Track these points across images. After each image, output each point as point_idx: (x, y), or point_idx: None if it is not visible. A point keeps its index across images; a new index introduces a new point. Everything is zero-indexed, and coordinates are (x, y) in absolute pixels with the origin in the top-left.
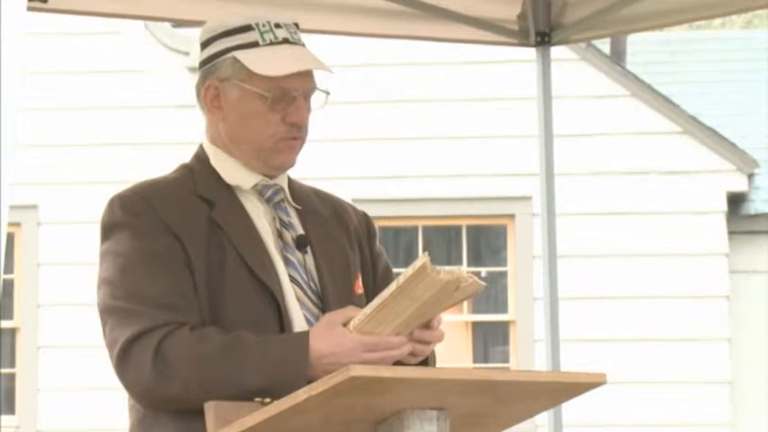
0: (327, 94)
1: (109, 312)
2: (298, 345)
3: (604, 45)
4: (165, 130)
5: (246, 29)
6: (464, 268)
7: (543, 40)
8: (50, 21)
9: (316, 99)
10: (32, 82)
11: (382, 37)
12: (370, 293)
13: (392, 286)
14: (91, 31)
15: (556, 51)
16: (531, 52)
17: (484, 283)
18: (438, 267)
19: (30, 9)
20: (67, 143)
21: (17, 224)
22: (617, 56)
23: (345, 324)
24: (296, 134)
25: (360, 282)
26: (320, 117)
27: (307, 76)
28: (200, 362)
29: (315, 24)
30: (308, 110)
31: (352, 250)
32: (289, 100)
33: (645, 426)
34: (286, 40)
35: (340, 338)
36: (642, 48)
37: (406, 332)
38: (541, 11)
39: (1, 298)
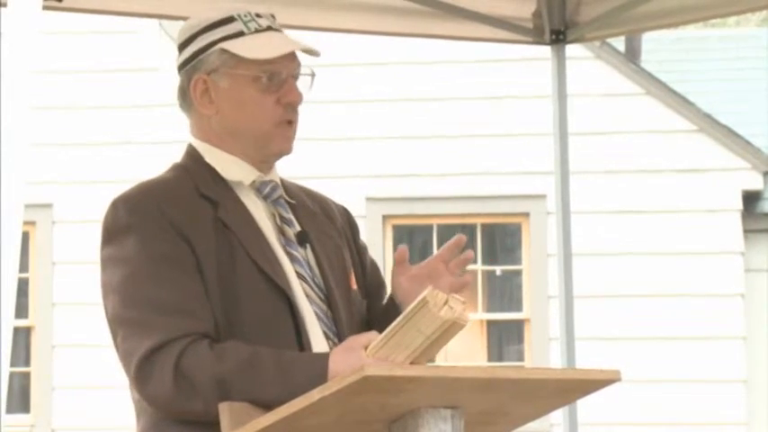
0: (313, 75)
1: (119, 323)
2: (317, 369)
3: (619, 43)
4: (181, 129)
5: (229, 20)
6: (479, 267)
7: (558, 38)
8: (66, 20)
9: (302, 83)
10: (47, 81)
11: (397, 35)
12: (362, 289)
13: (400, 316)
14: (106, 30)
15: (570, 49)
16: (545, 50)
17: (467, 323)
18: (443, 301)
19: (45, 8)
20: (82, 142)
21: (32, 223)
22: (632, 54)
23: (366, 347)
24: (292, 116)
25: (353, 277)
26: (334, 115)
27: (293, 58)
28: (221, 383)
29: (330, 23)
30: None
31: (343, 246)
32: (279, 82)
33: (659, 424)
34: (269, 28)
35: (356, 362)
36: (657, 46)
37: (421, 362)
38: (556, 9)
39: (16, 297)
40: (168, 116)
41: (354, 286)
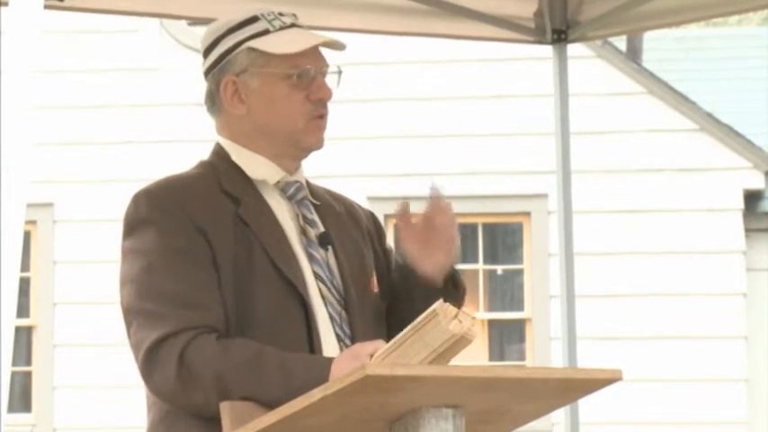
0: (340, 72)
1: (134, 313)
2: (319, 374)
3: (621, 42)
4: (182, 128)
5: (253, 20)
6: (480, 266)
7: (560, 37)
8: (66, 20)
9: (330, 80)
10: (49, 80)
11: (400, 35)
12: (387, 291)
13: (408, 327)
14: (107, 30)
15: (572, 49)
16: (547, 50)
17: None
18: (453, 314)
19: (47, 7)
20: (83, 141)
21: (33, 222)
22: (633, 53)
23: (372, 356)
24: (322, 111)
25: (374, 281)
26: (335, 115)
27: (320, 56)
28: (222, 378)
29: (331, 22)
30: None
31: (366, 249)
32: (309, 79)
33: (661, 423)
34: (294, 24)
35: None
36: (658, 45)
37: None
38: (558, 8)
39: (17, 296)
40: (168, 116)
41: (375, 289)
